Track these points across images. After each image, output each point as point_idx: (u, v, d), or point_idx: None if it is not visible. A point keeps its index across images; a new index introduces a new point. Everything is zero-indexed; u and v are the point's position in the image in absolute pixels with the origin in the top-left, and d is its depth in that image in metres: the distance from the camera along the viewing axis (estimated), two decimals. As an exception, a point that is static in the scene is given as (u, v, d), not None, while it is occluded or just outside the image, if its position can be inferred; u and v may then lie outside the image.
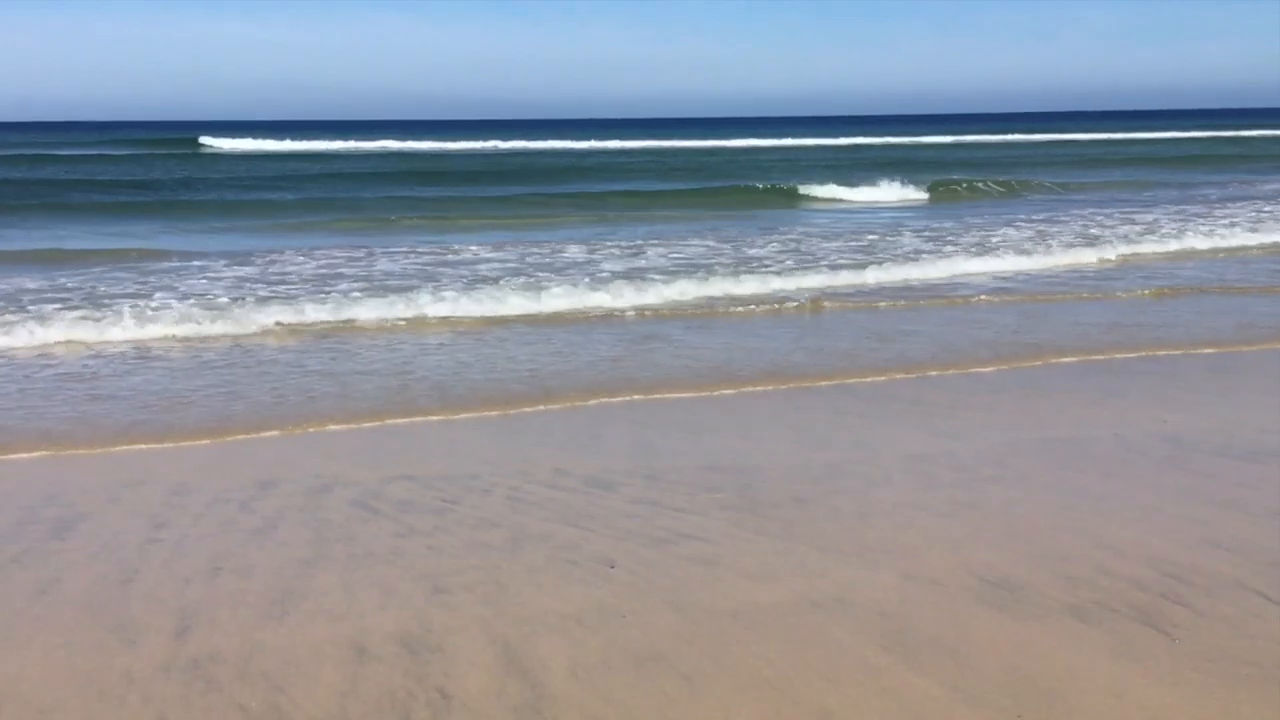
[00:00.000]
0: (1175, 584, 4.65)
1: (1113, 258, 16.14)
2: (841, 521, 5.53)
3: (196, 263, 15.52)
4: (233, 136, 64.80)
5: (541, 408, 7.91)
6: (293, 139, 65.33)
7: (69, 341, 10.16)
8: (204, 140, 61.34)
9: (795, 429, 7.28)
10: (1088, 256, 16.15)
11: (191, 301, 11.98)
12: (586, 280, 13.33)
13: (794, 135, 73.33)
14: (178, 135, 70.43)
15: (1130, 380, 8.66)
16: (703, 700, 3.78)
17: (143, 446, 7.01)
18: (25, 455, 6.86)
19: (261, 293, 12.69)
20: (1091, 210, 23.75)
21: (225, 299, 12.16)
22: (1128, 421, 7.33)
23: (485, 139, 67.50)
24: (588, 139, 67.43)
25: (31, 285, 13.20)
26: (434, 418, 7.67)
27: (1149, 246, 17.13)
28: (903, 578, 4.77)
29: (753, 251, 16.65)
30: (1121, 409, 7.70)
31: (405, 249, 17.10)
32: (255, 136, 65.92)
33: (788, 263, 15.30)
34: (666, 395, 8.27)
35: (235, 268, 14.91)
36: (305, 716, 3.70)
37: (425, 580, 4.81)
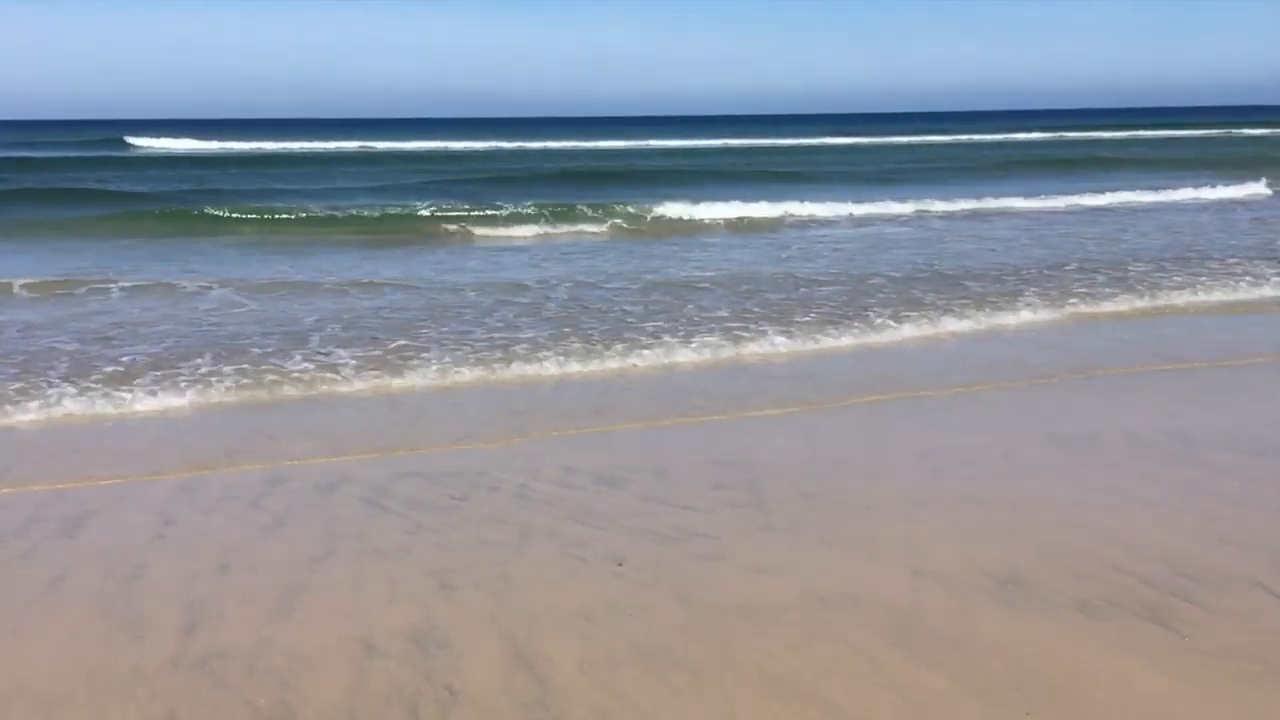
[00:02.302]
0: (1184, 580, 4.64)
1: None
2: (849, 517, 5.52)
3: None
4: (160, 136, 60.86)
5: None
6: (238, 140, 60.36)
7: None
8: (129, 140, 57.49)
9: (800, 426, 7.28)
10: None
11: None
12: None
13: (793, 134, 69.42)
14: (103, 135, 64.15)
15: None
16: (709, 696, 3.78)
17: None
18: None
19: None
20: None
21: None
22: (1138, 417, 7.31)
23: (477, 138, 64.35)
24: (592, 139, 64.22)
25: None
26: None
27: None
28: (911, 573, 4.76)
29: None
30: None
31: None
32: (183, 136, 61.76)
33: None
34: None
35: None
36: (314, 712, 3.71)
37: (433, 577, 4.82)
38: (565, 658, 4.05)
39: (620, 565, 4.91)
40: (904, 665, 3.96)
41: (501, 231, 19.74)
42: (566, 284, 13.08)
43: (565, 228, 20.36)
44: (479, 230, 19.73)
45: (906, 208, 23.18)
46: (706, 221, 21.29)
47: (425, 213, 21.88)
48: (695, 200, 22.90)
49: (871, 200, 24.16)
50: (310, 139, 63.39)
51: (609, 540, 5.22)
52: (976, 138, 63.76)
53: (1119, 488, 5.90)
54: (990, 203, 24.21)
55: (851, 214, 22.27)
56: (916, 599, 4.51)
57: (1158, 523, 5.35)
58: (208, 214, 21.51)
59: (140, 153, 51.31)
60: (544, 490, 5.97)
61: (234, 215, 21.29)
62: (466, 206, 22.68)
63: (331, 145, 57.00)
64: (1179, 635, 4.16)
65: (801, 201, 23.12)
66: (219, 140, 59.45)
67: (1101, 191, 25.99)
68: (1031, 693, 3.76)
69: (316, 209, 22.49)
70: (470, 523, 5.50)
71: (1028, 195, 25.36)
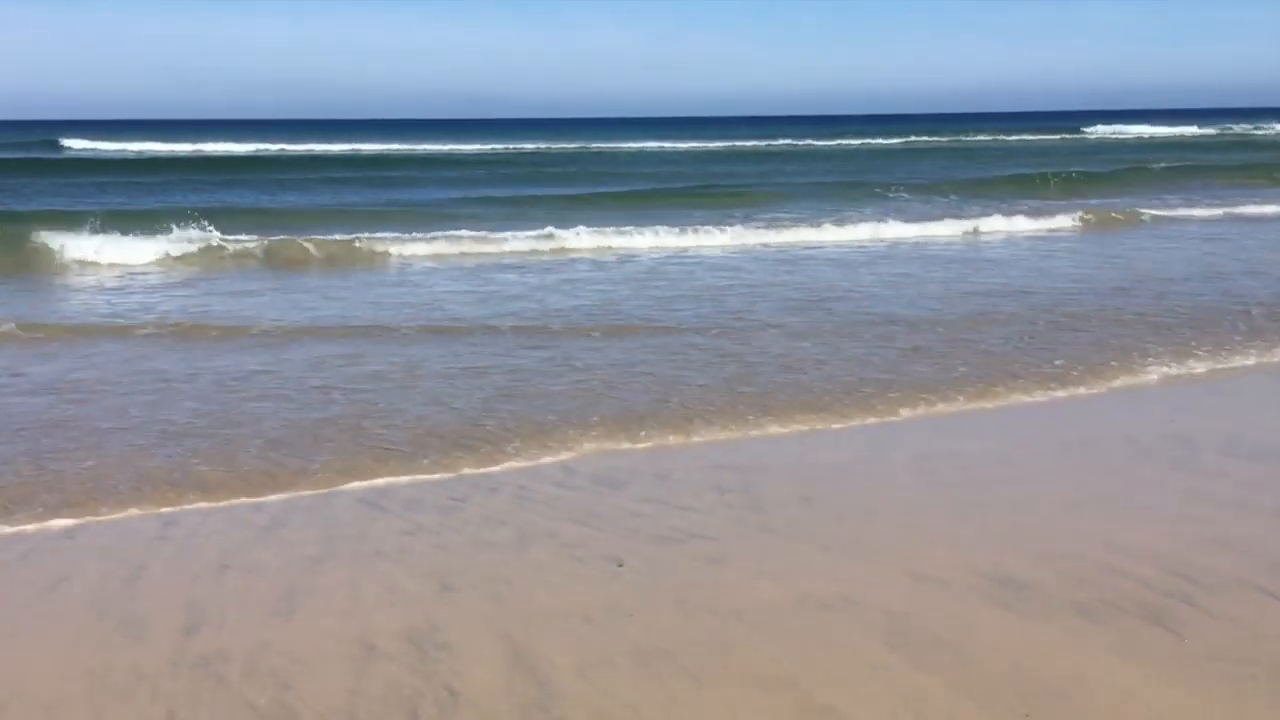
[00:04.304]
0: (1183, 583, 4.64)
1: None
2: (848, 521, 5.53)
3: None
4: (99, 138, 57.15)
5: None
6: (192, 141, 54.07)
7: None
8: (65, 142, 54.02)
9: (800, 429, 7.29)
10: None
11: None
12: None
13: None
14: (38, 137, 58.25)
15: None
16: (708, 698, 3.78)
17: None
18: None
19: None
20: None
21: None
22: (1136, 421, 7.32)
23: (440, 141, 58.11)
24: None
25: None
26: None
27: None
28: (909, 577, 4.77)
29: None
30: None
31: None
32: (120, 139, 57.59)
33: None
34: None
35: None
36: (313, 714, 3.71)
37: (433, 578, 4.82)
38: (564, 659, 4.05)
39: (620, 566, 4.92)
40: (902, 669, 3.96)
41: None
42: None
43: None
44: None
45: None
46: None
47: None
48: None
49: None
50: (272, 141, 57.43)
51: (608, 542, 5.22)
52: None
53: (1117, 492, 5.92)
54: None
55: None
56: (914, 603, 4.51)
57: (1156, 526, 5.35)
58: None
59: (66, 155, 46.86)
60: (543, 491, 5.98)
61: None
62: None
63: (272, 147, 51.81)
64: (1178, 638, 4.16)
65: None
66: (186, 143, 53.22)
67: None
68: (1030, 696, 3.77)
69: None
70: (469, 524, 5.50)
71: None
